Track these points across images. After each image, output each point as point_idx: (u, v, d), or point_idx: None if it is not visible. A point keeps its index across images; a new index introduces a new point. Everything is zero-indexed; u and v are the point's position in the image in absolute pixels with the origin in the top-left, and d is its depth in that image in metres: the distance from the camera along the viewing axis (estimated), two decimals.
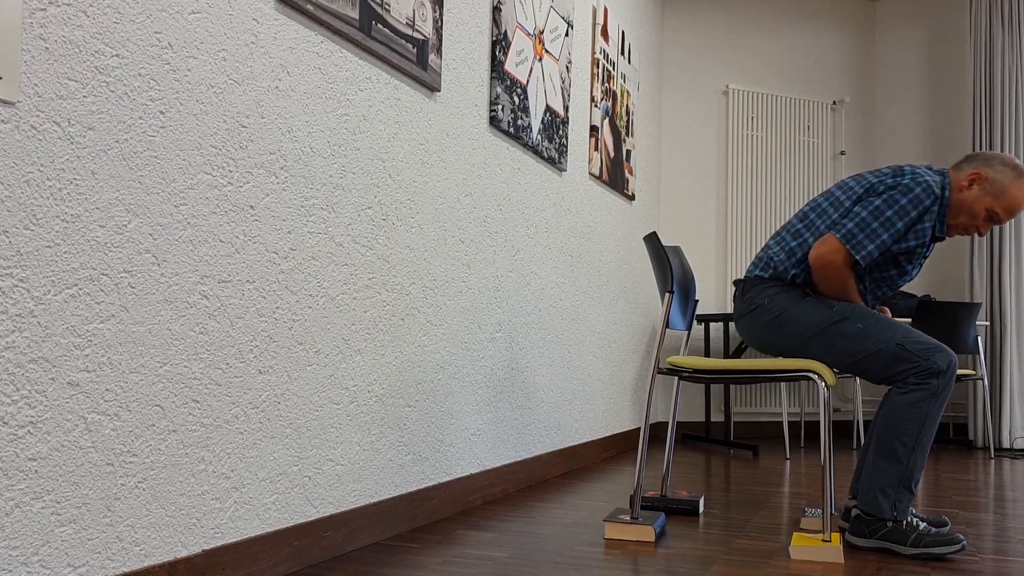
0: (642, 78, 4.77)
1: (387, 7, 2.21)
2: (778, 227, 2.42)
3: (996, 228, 4.92)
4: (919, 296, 5.01)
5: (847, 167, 5.56)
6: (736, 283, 2.51)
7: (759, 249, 2.54)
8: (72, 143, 1.38)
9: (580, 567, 1.98)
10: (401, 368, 2.33)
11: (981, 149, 4.99)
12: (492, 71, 2.82)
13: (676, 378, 2.58)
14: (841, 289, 2.29)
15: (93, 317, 1.41)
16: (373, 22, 2.15)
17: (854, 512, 2.26)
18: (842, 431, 5.50)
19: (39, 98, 1.32)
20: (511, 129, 2.94)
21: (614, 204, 4.20)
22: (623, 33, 4.33)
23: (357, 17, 2.08)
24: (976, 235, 2.34)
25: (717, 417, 5.15)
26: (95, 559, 1.42)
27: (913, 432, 2.17)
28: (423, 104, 2.43)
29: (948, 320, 4.33)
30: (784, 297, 2.36)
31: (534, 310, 3.21)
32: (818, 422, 5.26)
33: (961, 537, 2.13)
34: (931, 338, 2.21)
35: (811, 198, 5.36)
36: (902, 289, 5.38)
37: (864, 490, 2.23)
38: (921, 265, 2.40)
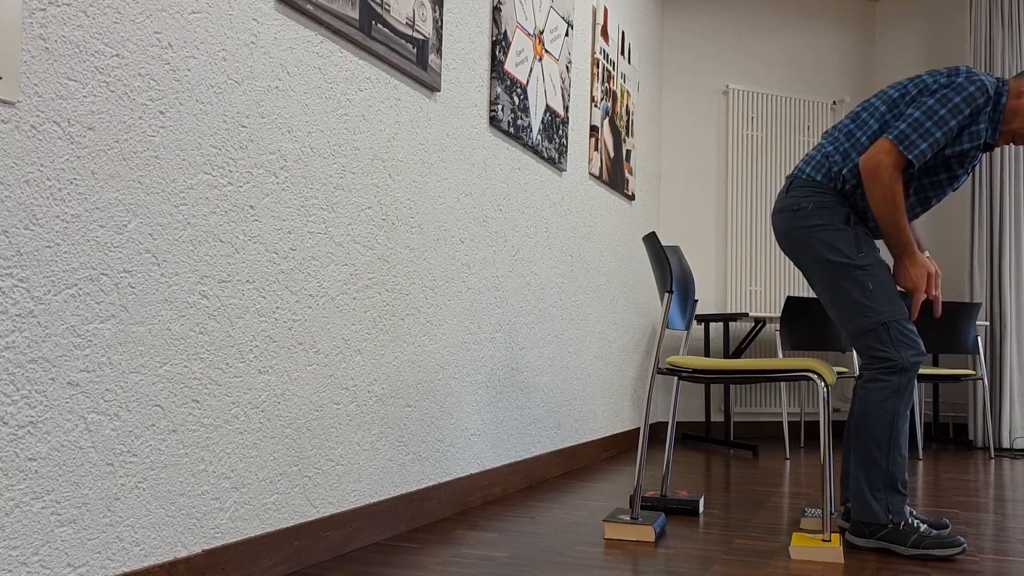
0: (642, 78, 4.77)
1: (387, 7, 2.21)
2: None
3: (996, 228, 4.92)
4: None
5: None
6: (788, 178, 2.44)
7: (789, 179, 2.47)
8: (72, 143, 1.38)
9: (580, 567, 1.98)
10: (401, 368, 2.33)
11: None
12: (492, 71, 2.82)
13: (676, 378, 2.59)
14: (890, 199, 2.19)
15: (93, 317, 1.41)
16: (373, 22, 2.15)
17: (854, 514, 2.26)
18: (842, 431, 5.49)
19: (39, 98, 1.32)
20: (511, 129, 2.94)
21: (614, 204, 4.20)
22: (623, 33, 4.33)
23: (357, 17, 2.08)
24: None
25: (717, 417, 5.15)
26: (95, 559, 1.42)
27: (885, 433, 2.18)
28: (423, 104, 2.43)
29: (948, 320, 4.33)
30: (828, 213, 2.29)
31: (534, 310, 3.21)
32: (818, 422, 5.26)
33: (962, 540, 2.13)
34: (915, 335, 2.21)
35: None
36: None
37: (855, 500, 2.23)
38: (969, 173, 2.33)
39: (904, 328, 2.20)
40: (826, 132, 2.42)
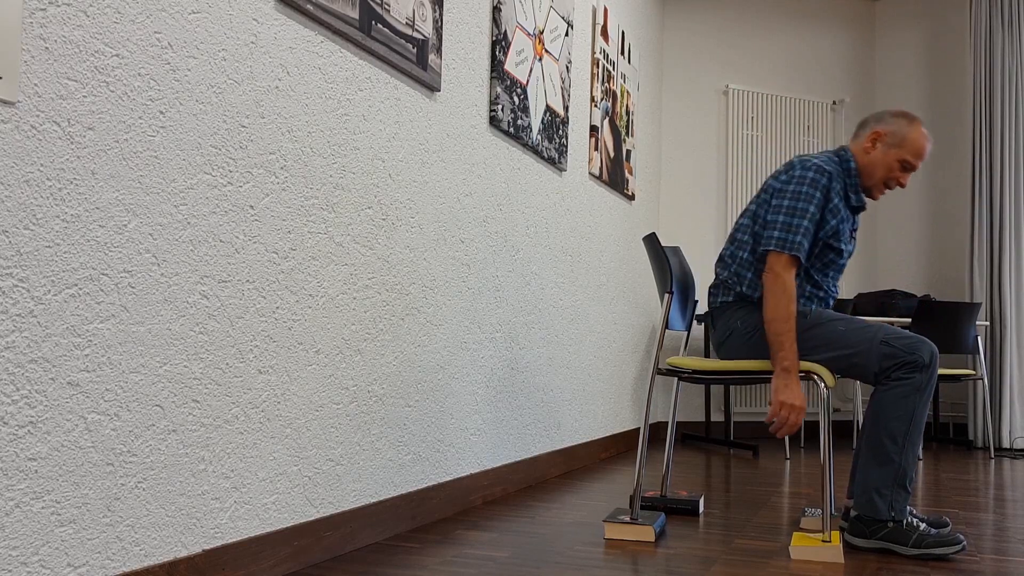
0: (642, 78, 4.77)
1: (387, 7, 2.21)
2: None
3: (996, 228, 4.92)
4: (919, 296, 5.00)
5: None
6: (704, 316, 2.56)
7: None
8: (72, 143, 1.38)
9: (580, 567, 1.98)
10: (401, 368, 2.33)
11: (981, 149, 4.99)
12: (492, 71, 2.82)
13: (676, 378, 2.59)
14: (785, 302, 2.27)
15: (93, 317, 1.41)
16: (373, 22, 2.15)
17: (853, 512, 2.26)
18: (842, 431, 5.50)
19: (39, 98, 1.32)
20: (511, 129, 2.94)
21: (614, 204, 4.20)
22: (623, 33, 4.33)
23: (357, 17, 2.08)
24: (899, 187, 2.49)
25: (717, 417, 5.15)
26: (95, 559, 1.42)
27: (901, 430, 2.18)
28: (423, 104, 2.43)
29: (948, 320, 4.33)
30: (757, 315, 2.41)
31: (534, 310, 3.21)
32: (818, 422, 5.25)
33: (961, 538, 2.13)
34: (909, 331, 2.23)
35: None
36: (902, 289, 5.38)
37: (859, 493, 2.23)
38: (854, 240, 2.48)
39: (901, 334, 2.22)
40: (717, 262, 2.55)
